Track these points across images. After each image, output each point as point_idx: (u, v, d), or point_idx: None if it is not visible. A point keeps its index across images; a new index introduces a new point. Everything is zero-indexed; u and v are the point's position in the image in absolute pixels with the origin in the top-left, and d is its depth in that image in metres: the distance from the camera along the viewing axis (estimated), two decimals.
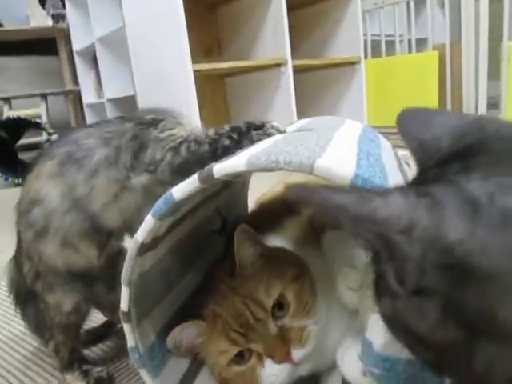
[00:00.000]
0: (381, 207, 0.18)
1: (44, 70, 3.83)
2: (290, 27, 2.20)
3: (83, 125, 0.61)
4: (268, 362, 0.45)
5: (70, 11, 3.13)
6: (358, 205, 0.19)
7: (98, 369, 0.58)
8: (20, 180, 2.24)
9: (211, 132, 0.52)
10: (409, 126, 0.28)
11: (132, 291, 0.41)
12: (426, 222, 0.18)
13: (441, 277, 0.18)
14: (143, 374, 0.45)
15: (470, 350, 0.19)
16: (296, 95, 2.30)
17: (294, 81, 2.30)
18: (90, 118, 3.39)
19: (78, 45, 3.19)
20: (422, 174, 0.24)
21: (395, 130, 0.30)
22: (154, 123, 0.54)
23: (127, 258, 0.40)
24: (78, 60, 3.28)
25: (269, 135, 0.49)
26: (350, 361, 0.41)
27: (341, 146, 0.39)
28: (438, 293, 0.19)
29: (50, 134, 2.34)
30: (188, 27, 1.96)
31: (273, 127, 0.50)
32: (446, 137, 0.25)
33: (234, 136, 0.50)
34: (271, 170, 0.33)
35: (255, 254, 0.48)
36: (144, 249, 0.40)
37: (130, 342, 0.43)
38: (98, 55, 2.92)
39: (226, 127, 0.51)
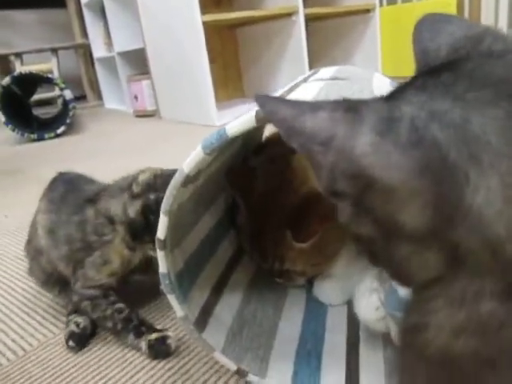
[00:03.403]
0: (308, 120, 0.21)
1: (53, 23, 3.77)
2: None
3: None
4: None
5: None
6: (294, 118, 0.21)
7: (79, 320, 0.62)
8: (36, 135, 2.26)
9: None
10: (422, 34, 0.27)
11: (171, 220, 0.42)
12: (343, 134, 0.20)
13: (349, 184, 0.20)
14: (172, 299, 0.46)
15: (388, 245, 0.21)
16: (308, 45, 2.26)
17: (306, 30, 2.24)
18: (100, 73, 3.36)
19: None
20: (410, 81, 0.24)
21: None
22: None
23: (170, 188, 0.41)
24: (86, 13, 3.22)
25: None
26: (367, 308, 0.45)
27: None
28: (348, 196, 0.21)
29: (62, 89, 2.34)
30: None
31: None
32: (446, 47, 0.25)
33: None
34: None
35: None
36: (188, 181, 0.41)
37: (163, 268, 0.44)
38: (105, 7, 2.86)
39: None
